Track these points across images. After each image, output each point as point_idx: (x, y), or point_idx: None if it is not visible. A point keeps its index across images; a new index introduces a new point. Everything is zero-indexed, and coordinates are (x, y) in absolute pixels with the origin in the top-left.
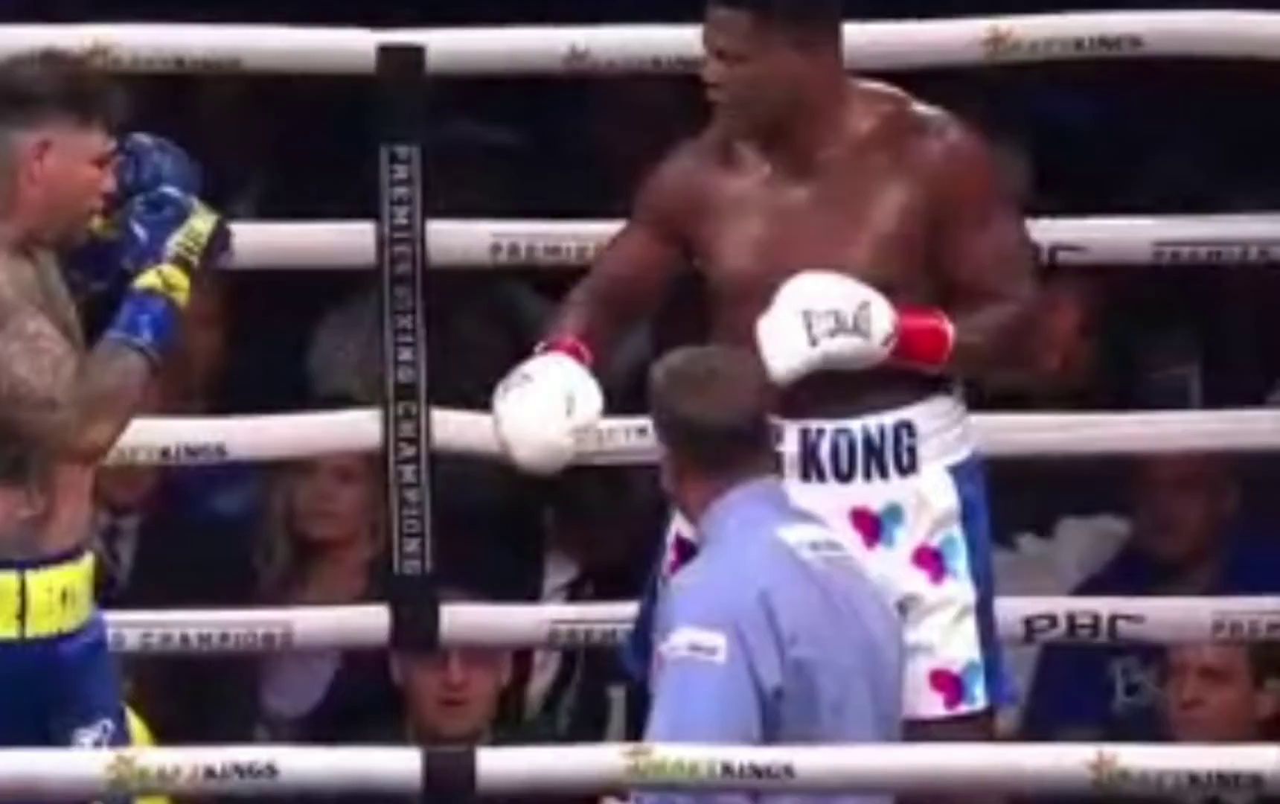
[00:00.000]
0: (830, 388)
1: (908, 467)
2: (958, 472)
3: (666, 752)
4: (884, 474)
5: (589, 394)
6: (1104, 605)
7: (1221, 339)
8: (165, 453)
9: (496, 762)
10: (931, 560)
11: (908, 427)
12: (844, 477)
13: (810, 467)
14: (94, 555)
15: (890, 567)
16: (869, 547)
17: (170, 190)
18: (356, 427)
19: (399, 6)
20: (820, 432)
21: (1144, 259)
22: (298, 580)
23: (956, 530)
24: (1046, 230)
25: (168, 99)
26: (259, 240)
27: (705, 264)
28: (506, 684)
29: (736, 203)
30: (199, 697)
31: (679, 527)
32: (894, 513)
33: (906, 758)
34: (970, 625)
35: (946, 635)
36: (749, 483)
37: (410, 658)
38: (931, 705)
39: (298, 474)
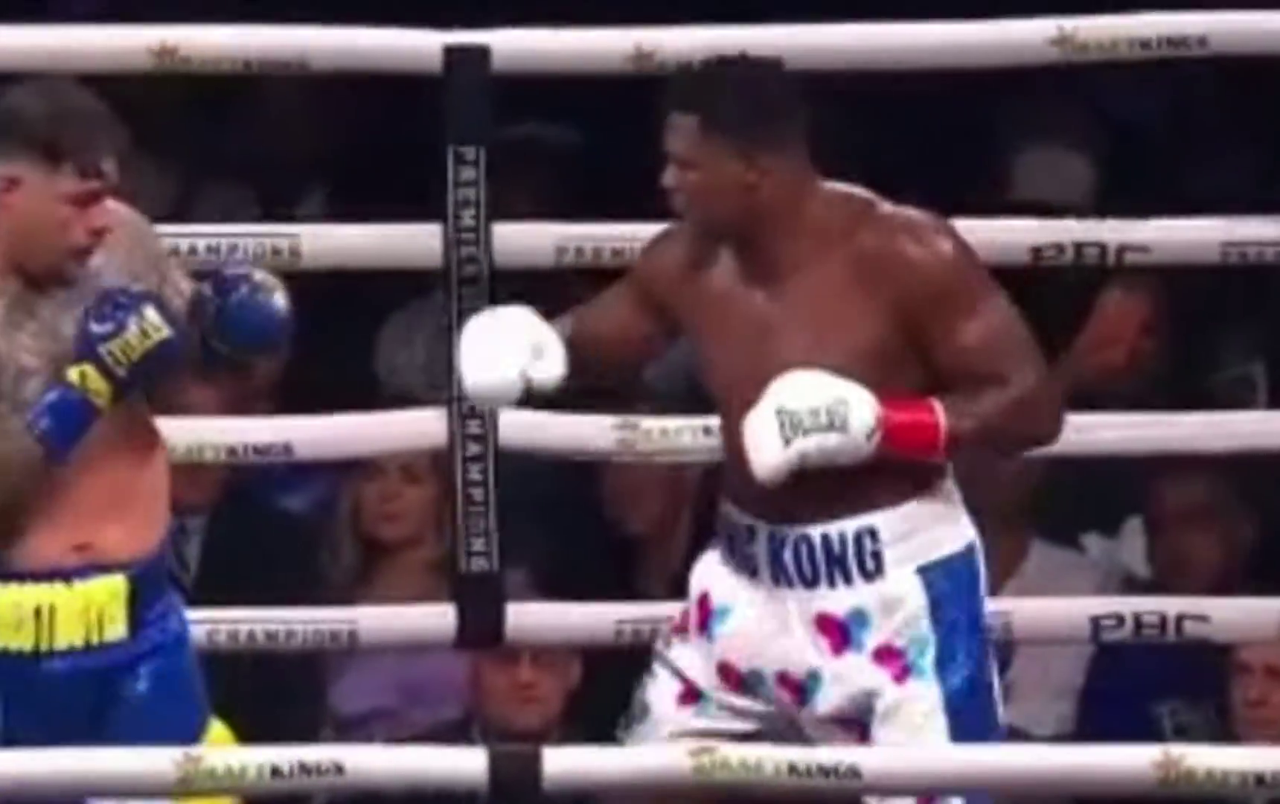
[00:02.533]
0: (796, 493)
1: (873, 571)
2: (930, 571)
3: (731, 751)
4: (848, 580)
5: (555, 356)
6: (1170, 604)
7: None
8: (232, 452)
9: (563, 761)
10: (894, 659)
11: (871, 533)
12: (808, 582)
13: (779, 570)
14: (124, 582)
15: (857, 670)
16: (836, 653)
17: (128, 293)
18: (422, 426)
19: (464, 6)
20: (784, 537)
21: (1211, 259)
22: (364, 580)
23: (926, 628)
24: (1114, 231)
25: (236, 101)
26: (325, 242)
27: (697, 352)
28: (576, 683)
29: (720, 300)
30: (266, 696)
31: (706, 583)
32: (859, 617)
33: (972, 758)
34: (941, 724)
35: (914, 736)
36: None
37: (479, 656)
38: None
39: (365, 475)
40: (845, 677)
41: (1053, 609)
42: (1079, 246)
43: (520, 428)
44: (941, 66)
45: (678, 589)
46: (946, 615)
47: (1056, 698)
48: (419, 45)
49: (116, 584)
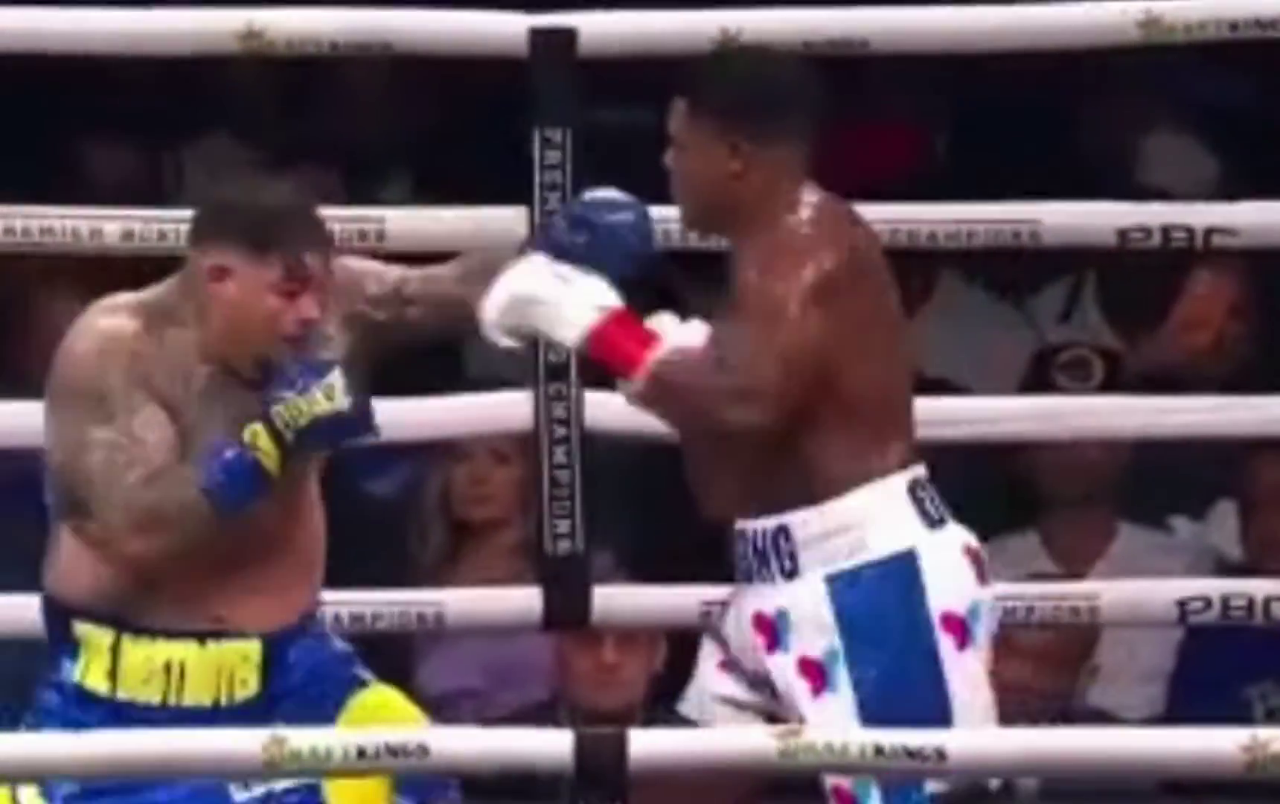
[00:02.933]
0: (716, 488)
1: (790, 571)
2: (837, 580)
3: (817, 734)
4: (771, 578)
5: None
6: (1258, 587)
7: None
8: None
9: (647, 743)
10: (815, 672)
11: (784, 532)
12: (747, 577)
13: (735, 564)
14: (259, 647)
15: (785, 673)
16: (769, 652)
17: (319, 360)
18: (508, 408)
19: None
20: (734, 532)
21: None
22: (452, 562)
23: (838, 642)
24: (1201, 214)
25: (321, 85)
26: (411, 225)
27: None
28: (661, 666)
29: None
30: None
31: (757, 604)
32: (784, 618)
33: (1058, 742)
34: None
35: None
36: None
37: (565, 638)
38: None
39: (454, 457)
40: (778, 677)
41: (1139, 592)
42: (1166, 230)
43: (606, 410)
44: (1026, 48)
45: None
46: (860, 625)
47: (1146, 681)
48: (505, 27)
49: (250, 648)
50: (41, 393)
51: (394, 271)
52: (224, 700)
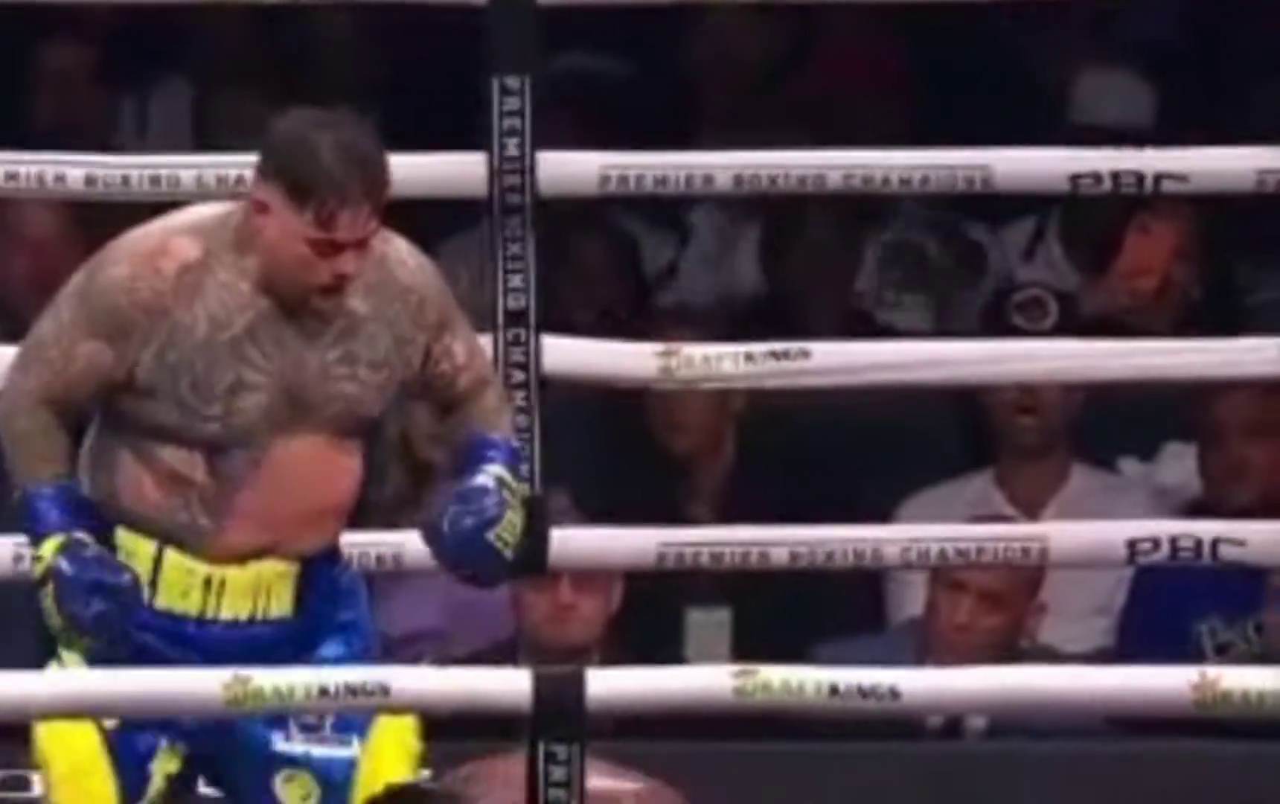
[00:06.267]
0: None
1: None
2: None
3: (772, 672)
4: None
5: None
6: (1206, 529)
7: None
8: None
9: (606, 682)
10: None
11: None
12: None
13: None
14: (296, 567)
15: None
16: None
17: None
18: None
19: None
20: None
21: (1247, 188)
22: (410, 504)
23: None
24: (1152, 160)
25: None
26: None
27: None
28: (618, 607)
29: None
30: None
31: None
32: None
33: (1009, 680)
34: None
35: None
36: None
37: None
38: None
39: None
40: None
41: (1089, 533)
42: (1116, 175)
43: (563, 354)
44: None
45: (722, 513)
46: None
47: (1097, 614)
48: None
49: (287, 568)
50: None
51: (460, 387)
52: (259, 614)
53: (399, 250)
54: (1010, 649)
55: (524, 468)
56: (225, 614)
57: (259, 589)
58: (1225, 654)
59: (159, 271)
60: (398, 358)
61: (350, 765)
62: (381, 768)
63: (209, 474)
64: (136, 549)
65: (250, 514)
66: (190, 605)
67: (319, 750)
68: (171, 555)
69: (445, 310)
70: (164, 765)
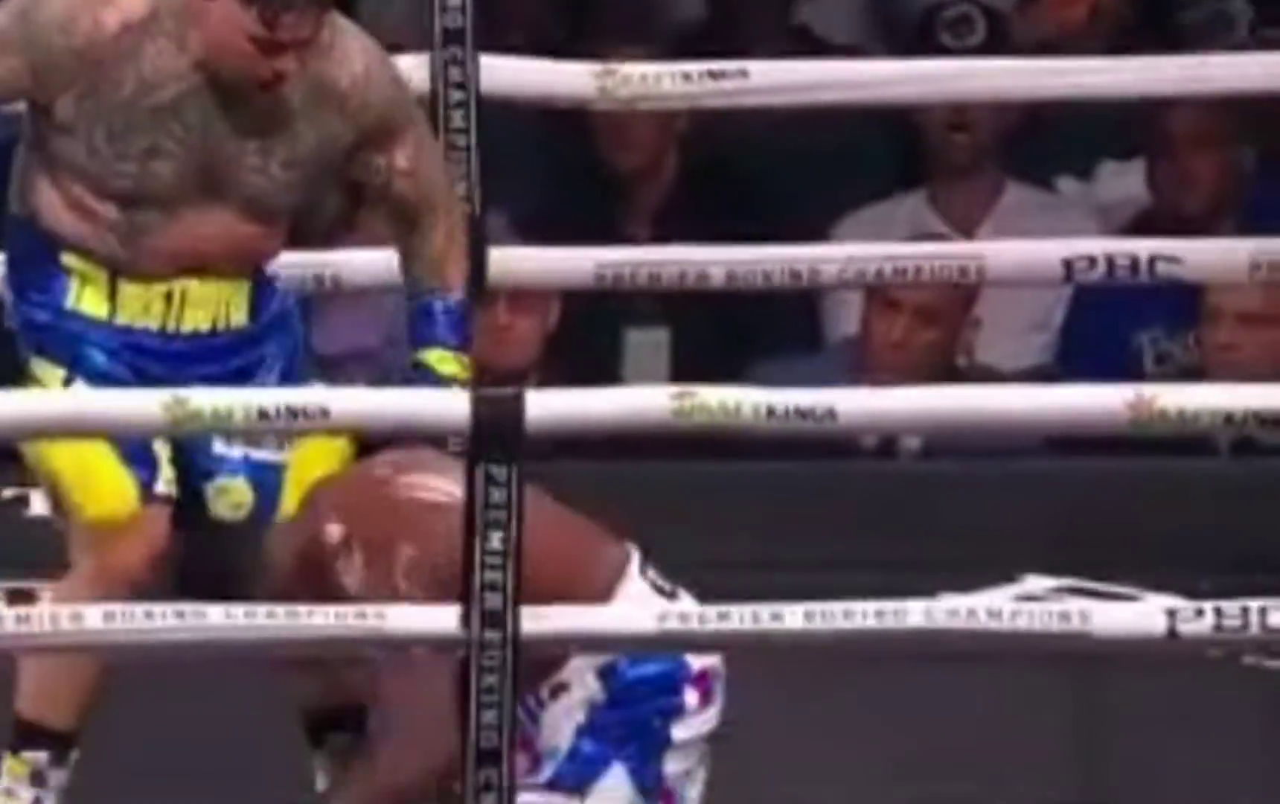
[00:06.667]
0: None
1: None
2: None
3: (710, 393)
4: None
5: None
6: (1143, 247)
7: None
8: None
9: (545, 404)
10: None
11: None
12: None
13: None
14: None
15: None
16: None
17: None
18: (405, 74)
19: None
20: None
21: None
22: (346, 225)
23: None
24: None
25: None
26: None
27: None
28: (553, 327)
29: None
30: None
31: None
32: None
33: (945, 400)
34: None
35: None
36: None
37: None
38: None
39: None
40: None
41: (1026, 252)
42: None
43: (501, 74)
44: None
45: (661, 233)
46: None
47: (1036, 331)
48: None
49: (242, 283)
50: None
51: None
52: (220, 325)
53: (347, 49)
54: (948, 367)
55: (463, 186)
56: (187, 327)
57: (219, 300)
58: (1164, 364)
59: (99, 22)
60: (318, 157)
61: (283, 468)
62: (311, 466)
63: (121, 215)
64: (88, 273)
65: (163, 254)
66: (151, 320)
67: (256, 454)
68: (124, 283)
69: (392, 117)
70: (163, 451)
